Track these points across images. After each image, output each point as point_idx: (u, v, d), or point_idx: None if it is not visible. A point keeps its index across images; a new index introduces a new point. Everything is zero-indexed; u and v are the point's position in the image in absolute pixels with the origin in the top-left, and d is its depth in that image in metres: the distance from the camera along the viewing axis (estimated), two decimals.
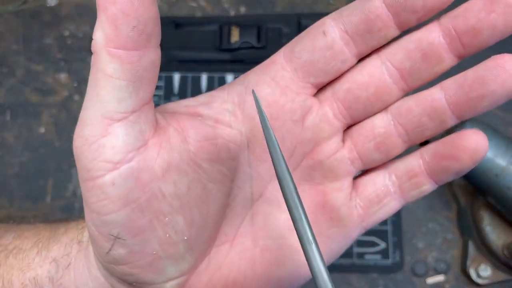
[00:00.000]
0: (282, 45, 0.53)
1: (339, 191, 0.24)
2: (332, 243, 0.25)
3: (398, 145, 0.24)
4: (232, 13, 0.54)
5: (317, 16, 0.53)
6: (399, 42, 0.23)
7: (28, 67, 0.53)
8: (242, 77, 0.25)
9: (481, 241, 0.44)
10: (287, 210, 0.23)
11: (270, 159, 0.21)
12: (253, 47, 0.51)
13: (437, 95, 0.22)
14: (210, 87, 0.51)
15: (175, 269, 0.23)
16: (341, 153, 0.24)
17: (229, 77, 0.51)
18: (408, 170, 0.24)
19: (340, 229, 0.24)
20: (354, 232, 0.25)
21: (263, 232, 0.25)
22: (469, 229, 0.46)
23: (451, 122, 0.23)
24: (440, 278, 0.46)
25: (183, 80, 0.52)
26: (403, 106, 0.23)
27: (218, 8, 0.54)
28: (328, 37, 0.22)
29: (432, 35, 0.22)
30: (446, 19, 0.22)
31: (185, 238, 0.22)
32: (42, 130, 0.51)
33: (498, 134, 0.41)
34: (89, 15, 0.54)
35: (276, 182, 0.25)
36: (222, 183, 0.23)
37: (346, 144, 0.24)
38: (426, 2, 0.21)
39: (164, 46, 0.53)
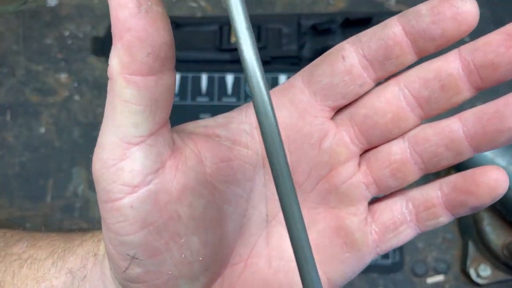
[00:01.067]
0: (282, 45, 0.53)
1: (354, 216, 0.24)
2: (345, 267, 0.25)
3: (414, 172, 0.24)
4: None
5: (317, 16, 0.53)
6: (417, 70, 0.23)
7: (28, 67, 0.53)
8: None
9: (481, 241, 0.44)
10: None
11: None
12: None
13: (455, 127, 0.22)
14: (210, 87, 0.51)
15: (189, 287, 0.23)
16: (357, 177, 0.24)
17: (229, 77, 0.51)
18: (426, 200, 0.24)
19: (354, 254, 0.24)
20: (368, 257, 0.25)
21: (277, 253, 0.25)
22: (469, 229, 0.46)
23: (468, 154, 0.23)
24: (440, 278, 0.46)
25: (183, 80, 0.52)
26: (420, 134, 0.23)
27: (218, 8, 0.54)
28: (347, 61, 0.22)
29: (451, 66, 0.22)
30: (466, 51, 0.22)
31: (200, 258, 0.22)
32: (42, 130, 0.51)
33: None
34: (89, 15, 0.54)
35: None
36: (237, 204, 0.24)
37: (362, 168, 0.24)
38: (445, 32, 0.21)
39: None
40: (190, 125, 0.24)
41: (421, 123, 0.24)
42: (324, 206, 0.25)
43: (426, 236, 0.47)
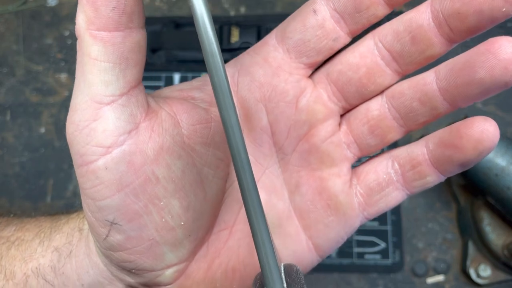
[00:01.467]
0: None
1: (337, 177, 0.24)
2: (331, 232, 0.24)
3: (394, 129, 0.23)
4: (232, 13, 0.54)
5: None
6: (391, 23, 0.22)
7: (28, 67, 0.53)
8: (235, 60, 0.25)
9: (481, 241, 0.44)
10: (285, 197, 0.24)
11: (267, 145, 0.21)
12: None
13: (429, 79, 0.22)
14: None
15: (174, 255, 0.22)
16: (337, 137, 0.24)
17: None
18: (411, 158, 0.23)
19: (339, 217, 0.24)
20: (355, 221, 0.24)
21: None
22: (469, 229, 0.46)
23: (443, 108, 0.22)
24: (440, 278, 0.46)
25: (183, 80, 0.52)
26: (397, 88, 0.23)
27: (218, 8, 0.54)
28: (318, 15, 0.22)
29: (422, 17, 0.21)
30: (437, 1, 0.21)
31: (182, 223, 0.22)
32: (42, 130, 0.51)
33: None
34: None
35: (274, 167, 0.25)
36: (218, 167, 0.23)
37: (342, 128, 0.24)
38: None
39: (164, 46, 0.54)
40: (165, 90, 0.24)
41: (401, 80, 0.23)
42: (306, 169, 0.24)
43: (426, 236, 0.47)
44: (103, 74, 0.19)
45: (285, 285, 0.18)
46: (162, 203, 0.21)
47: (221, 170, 0.23)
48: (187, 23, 0.53)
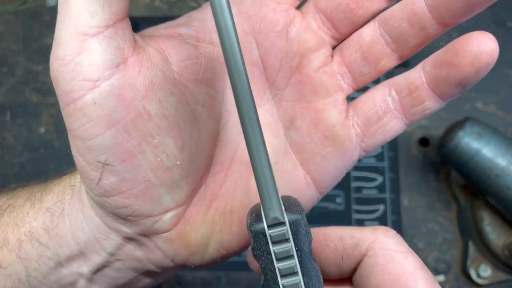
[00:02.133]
0: None
1: (333, 107, 0.23)
2: (328, 164, 0.23)
3: (386, 55, 0.22)
4: None
5: None
6: None
7: (28, 67, 0.53)
8: None
9: (481, 241, 0.44)
10: (280, 134, 0.23)
11: (260, 81, 0.21)
12: None
13: None
14: None
15: (171, 198, 0.22)
16: (330, 67, 0.23)
17: None
18: (408, 83, 0.22)
19: (337, 148, 0.23)
20: (353, 153, 0.23)
21: None
22: (469, 229, 0.46)
23: (433, 29, 0.21)
24: (440, 278, 0.46)
25: None
26: (388, 12, 0.22)
27: None
28: None
29: None
30: None
31: (178, 163, 0.21)
32: (42, 130, 0.51)
33: (498, 134, 0.41)
34: None
35: (268, 104, 0.24)
36: (211, 106, 0.23)
37: (335, 59, 0.23)
38: None
39: None
40: (150, 29, 0.23)
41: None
42: (300, 101, 0.24)
43: (426, 236, 0.47)
44: (88, 4, 0.18)
45: (283, 207, 0.18)
46: (156, 140, 0.20)
47: (214, 109, 0.23)
48: None
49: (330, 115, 0.23)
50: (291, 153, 0.24)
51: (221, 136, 0.24)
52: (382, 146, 0.49)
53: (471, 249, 0.45)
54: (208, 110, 0.23)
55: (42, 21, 0.54)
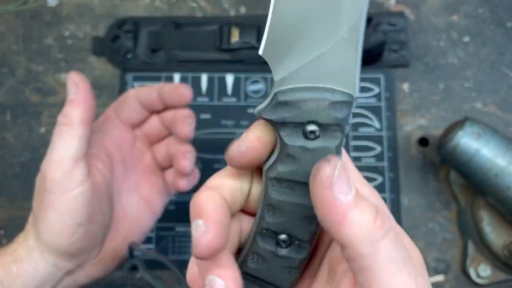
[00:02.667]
0: None
1: None
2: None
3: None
4: (232, 13, 0.54)
5: None
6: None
7: (28, 67, 0.53)
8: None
9: (481, 241, 0.44)
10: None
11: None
12: (253, 47, 0.51)
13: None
14: (210, 87, 0.51)
15: (101, 238, 0.35)
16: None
17: (229, 77, 0.51)
18: None
19: None
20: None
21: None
22: (469, 229, 0.46)
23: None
24: (440, 278, 0.47)
25: (183, 80, 0.52)
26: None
27: (218, 8, 0.54)
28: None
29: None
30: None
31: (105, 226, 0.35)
32: (42, 130, 0.51)
33: (498, 134, 0.41)
34: (89, 15, 0.54)
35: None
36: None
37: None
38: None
39: (165, 46, 0.54)
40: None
41: None
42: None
43: (426, 236, 0.47)
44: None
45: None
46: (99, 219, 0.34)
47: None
48: (187, 23, 0.53)
49: None
50: None
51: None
52: (382, 146, 0.49)
53: (471, 249, 0.46)
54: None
55: (43, 21, 0.54)
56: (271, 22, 0.20)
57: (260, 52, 0.20)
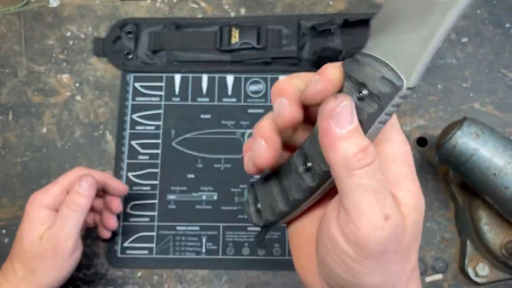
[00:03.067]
0: (282, 46, 0.53)
1: None
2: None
3: None
4: (233, 14, 0.54)
5: (316, 17, 0.53)
6: None
7: (30, 67, 0.53)
8: None
9: (479, 240, 0.45)
10: None
11: None
12: (253, 48, 0.51)
13: None
14: (211, 87, 0.51)
15: None
16: None
17: (229, 77, 0.52)
18: None
19: None
20: None
21: None
22: (467, 228, 0.46)
23: None
24: (438, 277, 0.47)
25: (183, 81, 0.52)
26: None
27: (218, 9, 0.54)
28: None
29: None
30: None
31: None
32: (44, 130, 0.51)
33: (496, 134, 0.41)
34: (90, 16, 0.54)
35: None
36: None
37: None
38: None
39: (165, 47, 0.54)
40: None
41: None
42: None
43: (425, 235, 0.47)
44: None
45: None
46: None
47: None
48: (188, 24, 0.53)
49: None
50: None
51: None
52: None
53: (469, 248, 0.46)
54: None
55: (44, 22, 0.54)
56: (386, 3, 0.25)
57: (371, 22, 0.26)
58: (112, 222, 0.46)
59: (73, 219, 0.40)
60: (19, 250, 0.40)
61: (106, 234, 0.47)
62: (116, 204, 0.45)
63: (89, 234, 0.48)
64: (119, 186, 0.45)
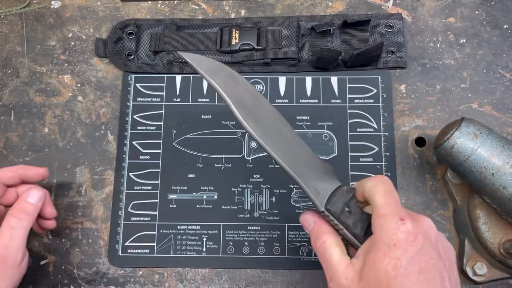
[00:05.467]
0: (282, 47, 0.53)
1: None
2: None
3: None
4: (233, 15, 0.54)
5: (316, 18, 0.54)
6: None
7: (32, 68, 0.53)
8: None
9: (477, 239, 0.45)
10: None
11: None
12: (253, 49, 0.52)
13: None
14: (211, 88, 0.52)
15: None
16: None
17: None
18: None
19: None
20: None
21: None
22: (465, 228, 0.46)
23: None
24: None
25: (184, 81, 0.52)
26: None
27: (219, 10, 0.55)
28: None
29: None
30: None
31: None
32: (46, 130, 0.51)
33: (494, 134, 0.41)
34: (92, 17, 0.55)
35: None
36: None
37: None
38: None
39: (166, 48, 0.54)
40: None
41: None
42: None
43: None
44: None
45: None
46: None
47: None
48: (188, 25, 0.53)
49: None
50: None
51: None
52: (380, 146, 0.50)
53: (467, 247, 0.46)
54: None
55: (46, 23, 0.55)
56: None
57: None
58: (50, 210, 0.45)
59: (22, 230, 0.40)
60: None
61: (52, 224, 0.46)
62: (50, 211, 0.45)
63: (89, 234, 0.49)
64: (38, 171, 0.44)
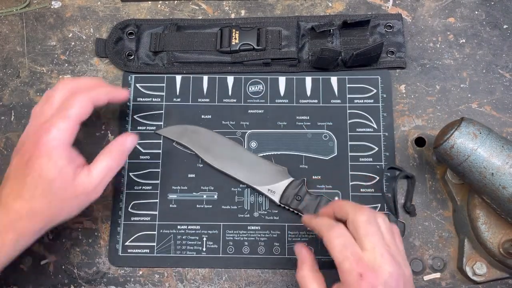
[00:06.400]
0: (281, 47, 0.53)
1: None
2: None
3: None
4: (233, 16, 0.54)
5: (316, 18, 0.54)
6: None
7: (32, 68, 0.53)
8: None
9: (477, 239, 0.45)
10: None
11: None
12: (253, 49, 0.52)
13: None
14: (211, 88, 0.52)
15: None
16: None
17: (230, 78, 0.52)
18: None
19: None
20: None
21: None
22: (465, 228, 0.46)
23: None
24: (436, 275, 0.47)
25: (184, 82, 0.52)
26: None
27: (219, 11, 0.55)
28: None
29: None
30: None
31: None
32: None
33: (494, 134, 0.41)
34: (92, 17, 0.55)
35: None
36: None
37: None
38: None
39: (166, 48, 0.54)
40: None
41: None
42: None
43: (423, 235, 0.48)
44: None
45: None
46: None
47: None
48: (189, 25, 0.53)
49: None
50: None
51: None
52: (380, 146, 0.50)
53: (467, 247, 0.46)
54: None
55: (46, 23, 0.55)
56: None
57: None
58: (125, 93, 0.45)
59: (113, 172, 0.43)
60: (37, 186, 0.39)
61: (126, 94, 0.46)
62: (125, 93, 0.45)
63: (89, 233, 0.49)
64: (124, 93, 0.45)
